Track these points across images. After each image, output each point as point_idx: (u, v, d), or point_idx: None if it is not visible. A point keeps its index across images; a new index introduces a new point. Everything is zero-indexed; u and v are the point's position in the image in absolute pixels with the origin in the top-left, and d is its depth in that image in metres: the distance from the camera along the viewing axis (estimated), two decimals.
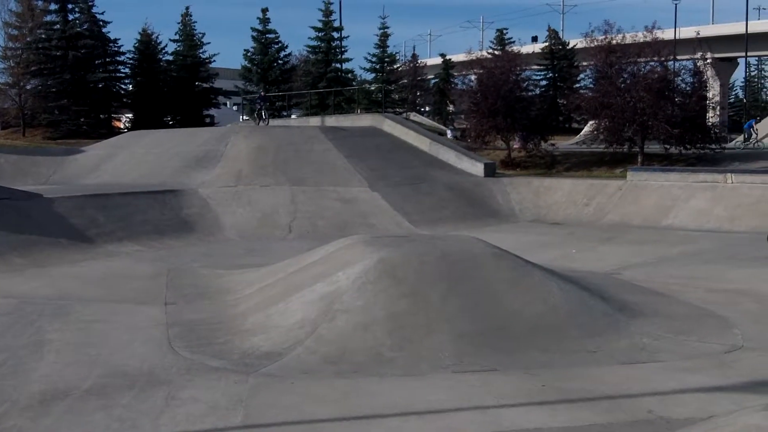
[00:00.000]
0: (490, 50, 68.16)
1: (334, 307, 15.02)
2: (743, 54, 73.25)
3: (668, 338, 15.30)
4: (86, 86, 63.01)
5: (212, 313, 16.75)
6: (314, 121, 47.71)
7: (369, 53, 68.67)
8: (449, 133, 50.66)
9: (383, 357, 13.91)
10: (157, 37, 69.13)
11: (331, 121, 46.49)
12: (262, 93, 36.43)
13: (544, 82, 70.59)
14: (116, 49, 67.55)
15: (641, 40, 43.29)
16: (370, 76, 71.28)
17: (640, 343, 14.90)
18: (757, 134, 53.95)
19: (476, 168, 37.28)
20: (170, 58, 70.46)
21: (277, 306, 15.94)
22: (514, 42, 76.09)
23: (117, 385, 12.12)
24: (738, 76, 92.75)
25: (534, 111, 46.80)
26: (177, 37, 70.75)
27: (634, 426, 10.50)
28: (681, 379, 12.63)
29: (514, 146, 44.30)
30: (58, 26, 63.31)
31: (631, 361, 13.92)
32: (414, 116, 56.06)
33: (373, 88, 65.73)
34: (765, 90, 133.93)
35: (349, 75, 71.71)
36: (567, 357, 14.10)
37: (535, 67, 69.07)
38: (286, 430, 10.68)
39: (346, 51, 69.25)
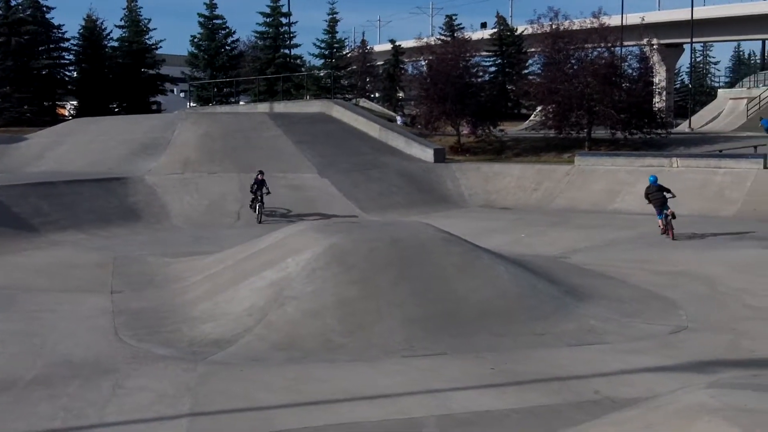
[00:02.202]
0: (440, 36, 68.21)
1: (284, 293, 14.98)
2: (689, 40, 74.11)
3: (615, 320, 15.47)
4: (29, 73, 62.03)
5: (160, 301, 16.61)
6: (263, 107, 47.43)
7: (318, 39, 68.65)
8: (399, 120, 50.65)
9: (333, 343, 13.91)
10: (102, 23, 68.28)
11: (280, 107, 46.26)
12: (259, 176, 29.11)
13: (493, 69, 70.79)
14: (60, 35, 66.57)
15: (588, 27, 43.55)
16: (319, 62, 71.16)
17: (587, 326, 15.05)
18: None
19: (426, 154, 37.35)
20: (116, 44, 69.54)
21: (225, 293, 15.87)
22: (463, 28, 76.24)
23: (62, 374, 11.98)
24: (684, 61, 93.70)
25: (483, 97, 46.93)
26: (122, 23, 69.87)
27: (581, 406, 10.59)
28: (627, 360, 12.77)
29: (464, 132, 44.41)
30: (0, 12, 62.18)
31: (578, 343, 14.06)
32: (364, 102, 55.93)
33: (322, 74, 65.58)
34: (710, 75, 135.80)
35: (298, 61, 71.37)
36: (516, 340, 14.20)
37: (484, 53, 69.23)
38: (235, 417, 10.62)
39: (294, 37, 69.10)
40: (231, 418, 10.57)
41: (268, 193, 28.22)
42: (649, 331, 14.81)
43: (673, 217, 24.64)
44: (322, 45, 68.17)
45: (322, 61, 69.34)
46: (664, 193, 25.19)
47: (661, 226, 24.98)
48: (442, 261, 16.44)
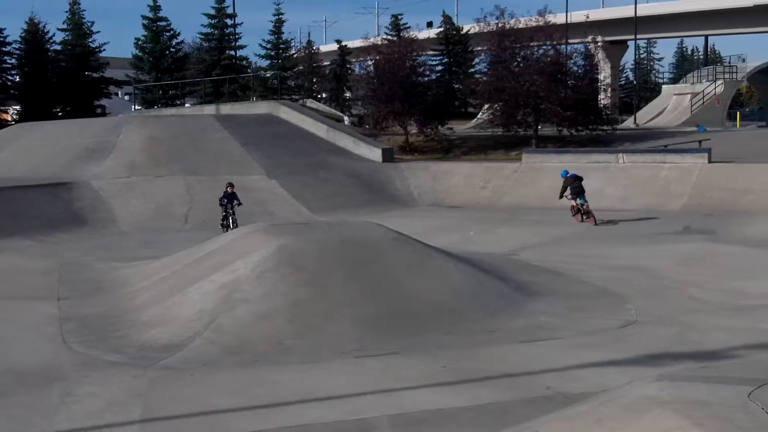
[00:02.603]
0: (386, 36, 68.20)
1: (234, 296, 14.88)
2: (633, 37, 74.92)
3: (565, 316, 15.57)
4: None
5: (108, 307, 16.40)
6: (209, 109, 47.06)
7: (264, 40, 67.89)
8: (346, 120, 50.63)
9: (284, 345, 13.84)
10: (44, 27, 67.41)
11: (227, 109, 45.96)
12: (229, 189, 25.89)
13: (439, 68, 70.98)
14: (2, 39, 65.58)
15: (534, 25, 43.87)
16: (265, 63, 70.78)
17: (537, 322, 15.15)
18: None
19: (374, 154, 37.34)
20: (59, 47, 68.73)
21: (174, 298, 15.72)
22: (409, 28, 76.21)
23: (9, 383, 11.76)
24: (629, 58, 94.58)
25: (431, 96, 47.04)
26: (65, 26, 69.04)
27: (533, 402, 10.62)
28: (578, 355, 12.86)
29: (412, 131, 44.48)
30: None
31: (529, 339, 14.13)
32: (311, 103, 55.75)
33: (268, 75, 65.24)
34: (654, 72, 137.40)
35: (244, 62, 70.87)
36: (467, 338, 14.24)
37: (431, 52, 69.37)
38: (186, 422, 10.51)
39: (240, 38, 68.51)
40: (182, 423, 10.45)
41: (240, 204, 25.74)
42: (599, 326, 14.93)
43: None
44: (268, 46, 67.82)
45: (269, 62, 68.97)
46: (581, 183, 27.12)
47: (575, 207, 27.35)
48: (392, 260, 16.46)
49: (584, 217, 27.05)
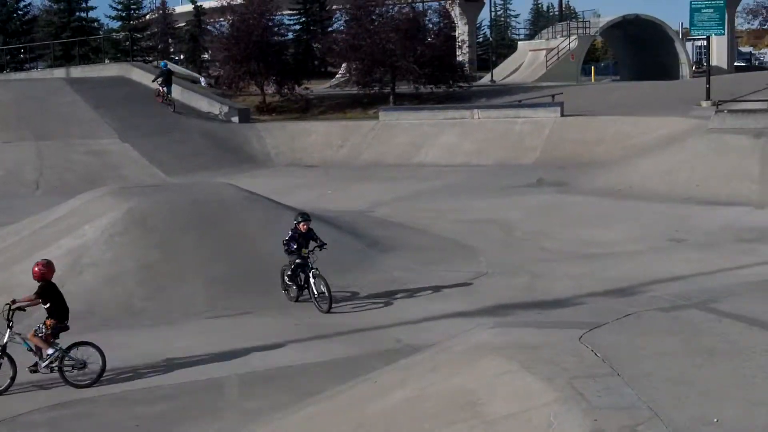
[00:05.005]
0: None
1: (82, 261, 14.56)
2: None
3: (418, 269, 15.76)
4: None
5: None
6: (59, 73, 45.48)
7: (115, 0, 65.79)
8: (202, 81, 49.60)
9: (135, 308, 13.68)
10: None
11: (77, 72, 44.42)
12: (303, 226, 14.06)
13: (297, 27, 70.31)
14: None
15: None
16: (117, 25, 68.75)
17: (391, 276, 15.30)
18: None
19: (230, 114, 36.75)
20: None
21: (21, 264, 15.16)
22: None
23: None
24: (485, 15, 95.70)
25: (288, 56, 46.55)
26: None
27: (383, 355, 10.73)
28: (428, 308, 13.05)
29: (269, 91, 43.97)
30: None
31: (382, 293, 14.24)
32: None
33: (120, 37, 63.41)
34: (511, 29, 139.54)
35: (95, 24, 68.65)
36: None
37: (289, 12, 68.66)
38: (29, 388, 10.33)
39: None
40: (25, 389, 10.28)
41: (323, 246, 14.13)
42: (450, 278, 15.16)
43: None
44: (119, 6, 65.87)
45: (120, 23, 67.01)
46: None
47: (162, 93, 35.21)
48: (244, 220, 16.35)
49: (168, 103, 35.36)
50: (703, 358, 5.95)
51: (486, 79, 61.11)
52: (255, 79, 42.89)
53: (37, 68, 58.99)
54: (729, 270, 14.31)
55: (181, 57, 70.46)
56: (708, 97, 32.98)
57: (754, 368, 5.70)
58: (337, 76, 54.76)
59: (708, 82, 33.94)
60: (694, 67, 67.87)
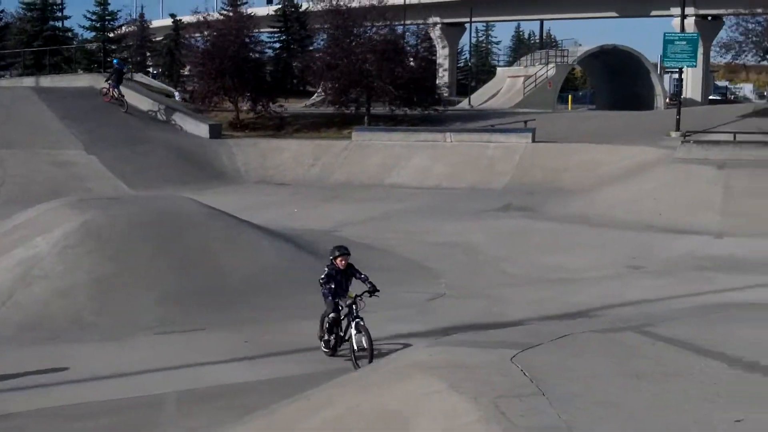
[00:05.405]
0: (223, 11, 67.02)
1: (32, 272, 14.35)
2: (469, 20, 76.04)
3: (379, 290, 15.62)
4: None
5: None
6: (28, 81, 44.98)
7: (89, 11, 65.55)
8: (177, 95, 49.48)
9: (84, 321, 13.50)
10: None
11: (47, 81, 43.94)
12: (341, 261, 11.79)
13: (277, 45, 70.34)
14: None
15: (368, 5, 43.84)
16: (90, 36, 68.51)
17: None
18: None
19: (201, 129, 36.52)
20: None
21: None
22: (246, 3, 75.17)
23: None
24: (467, 40, 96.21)
25: (266, 73, 46.53)
26: None
27: (332, 374, 10.49)
28: (384, 328, 12.90)
29: (243, 108, 43.86)
30: None
31: None
32: (141, 77, 54.18)
33: (93, 48, 63.15)
34: (492, 55, 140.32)
35: (69, 34, 68.32)
36: (276, 313, 14.18)
37: (270, 29, 68.73)
38: None
39: (64, 8, 66.08)
40: None
41: (374, 291, 11.99)
42: (409, 300, 15.11)
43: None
44: (94, 17, 65.61)
45: (94, 33, 66.74)
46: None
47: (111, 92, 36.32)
48: (204, 236, 16.21)
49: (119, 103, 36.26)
50: (631, 381, 5.88)
51: (464, 103, 61.36)
52: (229, 95, 42.80)
53: (6, 76, 58.53)
54: (683, 297, 14.29)
55: (159, 71, 70.36)
56: (678, 128, 33.17)
57: (680, 392, 5.63)
58: (315, 95, 54.76)
59: (678, 113, 34.17)
60: (668, 99, 68.50)
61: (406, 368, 6.56)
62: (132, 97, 37.84)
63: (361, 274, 11.99)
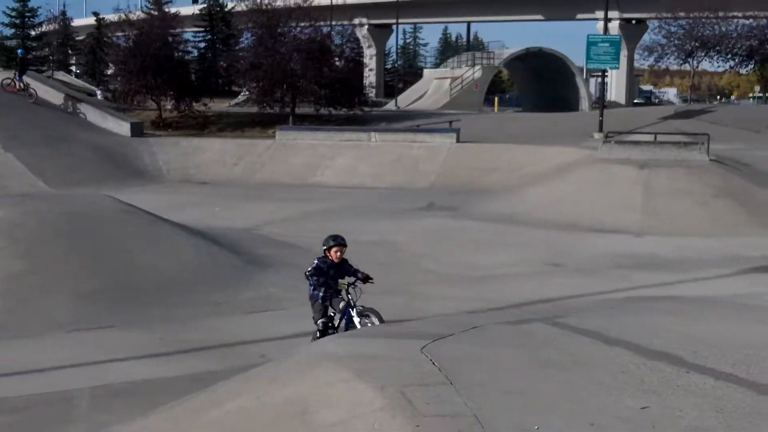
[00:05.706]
0: (147, 10, 66.26)
1: None
2: (396, 21, 76.20)
3: (294, 287, 15.34)
4: None
5: None
6: None
7: (8, 7, 64.43)
8: (99, 94, 48.79)
9: None
10: None
11: None
12: (335, 253, 10.81)
13: (203, 44, 69.81)
14: None
15: (292, 5, 43.67)
16: (10, 32, 67.26)
17: (266, 293, 15.01)
18: None
19: (122, 128, 36.01)
20: None
21: None
22: (171, 2, 74.45)
23: None
24: (394, 42, 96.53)
25: (190, 72, 46.14)
26: None
27: (245, 370, 10.38)
28: (298, 325, 12.73)
29: (167, 107, 43.37)
30: None
31: (254, 310, 14.02)
32: (62, 76, 53.42)
33: (12, 45, 61.99)
34: (420, 57, 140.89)
35: None
36: (192, 310, 13.91)
37: (195, 29, 68.18)
38: None
39: None
40: None
41: (367, 278, 11.29)
42: None
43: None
44: (13, 14, 64.41)
45: (13, 30, 65.49)
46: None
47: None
48: (119, 233, 15.88)
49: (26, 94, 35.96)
50: (540, 370, 5.84)
51: (391, 105, 61.40)
52: (152, 94, 42.26)
53: None
54: (601, 294, 14.39)
55: (81, 70, 69.29)
56: (601, 129, 33.59)
57: (587, 380, 5.59)
58: (240, 95, 54.41)
59: (601, 114, 34.62)
60: (594, 102, 69.38)
61: (312, 359, 6.45)
62: (52, 96, 37.16)
63: (359, 272, 10.91)
